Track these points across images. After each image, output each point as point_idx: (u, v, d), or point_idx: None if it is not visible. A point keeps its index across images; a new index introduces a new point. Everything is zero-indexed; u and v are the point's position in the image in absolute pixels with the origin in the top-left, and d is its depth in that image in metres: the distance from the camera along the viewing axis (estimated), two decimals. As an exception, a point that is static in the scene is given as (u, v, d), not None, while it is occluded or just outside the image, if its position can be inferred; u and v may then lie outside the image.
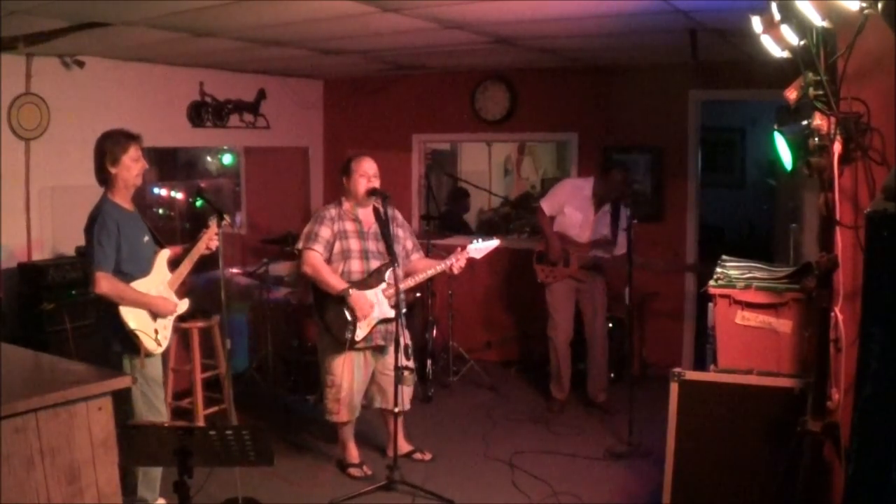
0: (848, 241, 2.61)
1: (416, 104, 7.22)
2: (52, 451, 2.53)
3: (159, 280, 3.80)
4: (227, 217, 4.02)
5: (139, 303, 3.66)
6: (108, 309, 3.62)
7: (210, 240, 3.89)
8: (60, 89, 5.15)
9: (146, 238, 3.81)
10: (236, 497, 4.04)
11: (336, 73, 7.20)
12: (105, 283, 3.54)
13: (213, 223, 3.91)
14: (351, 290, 4.29)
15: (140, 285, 3.69)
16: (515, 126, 6.91)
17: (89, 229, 3.62)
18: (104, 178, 3.70)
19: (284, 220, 6.90)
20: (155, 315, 3.74)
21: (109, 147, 3.66)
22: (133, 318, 3.63)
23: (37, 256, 5.06)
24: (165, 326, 3.80)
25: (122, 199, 3.72)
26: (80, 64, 5.17)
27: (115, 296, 3.58)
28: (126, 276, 3.64)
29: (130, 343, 3.65)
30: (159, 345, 3.75)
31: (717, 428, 3.28)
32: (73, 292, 4.76)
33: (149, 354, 3.70)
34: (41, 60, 5.01)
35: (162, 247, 3.90)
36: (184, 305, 3.93)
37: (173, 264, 3.90)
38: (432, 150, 7.93)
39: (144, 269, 3.74)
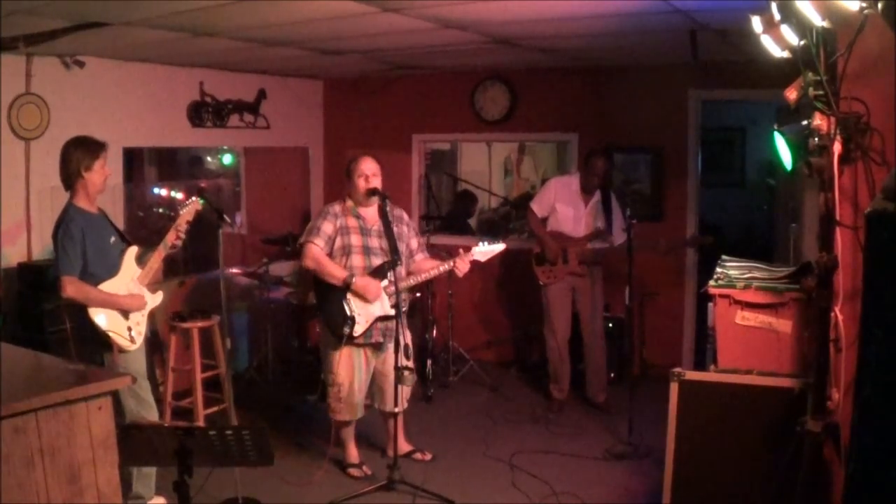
0: (848, 241, 2.61)
1: (416, 104, 7.22)
2: (52, 451, 2.53)
3: (129, 277, 3.85)
4: (227, 218, 4.06)
5: (106, 303, 3.72)
6: (79, 312, 3.69)
7: (178, 230, 3.92)
8: (60, 89, 5.15)
9: (113, 238, 3.86)
10: (236, 497, 4.05)
11: (336, 73, 7.20)
12: (71, 287, 3.61)
13: (183, 211, 3.95)
14: (354, 277, 4.29)
15: (109, 285, 3.74)
16: (515, 126, 6.91)
17: (55, 236, 3.69)
18: (71, 182, 3.75)
19: (284, 220, 6.90)
20: (126, 313, 3.79)
21: (83, 153, 3.73)
22: (104, 318, 3.70)
23: (37, 256, 5.06)
24: (139, 322, 3.85)
25: (87, 204, 3.78)
26: (80, 64, 5.17)
27: (81, 298, 3.65)
28: (94, 278, 3.70)
29: (105, 342, 3.71)
30: (133, 342, 3.79)
31: (717, 428, 3.28)
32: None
33: (123, 351, 3.74)
34: (41, 60, 5.01)
35: (129, 244, 3.93)
36: (157, 299, 3.97)
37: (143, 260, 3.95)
38: (432, 150, 7.93)
39: (112, 269, 3.79)
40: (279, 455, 4.30)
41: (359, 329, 4.33)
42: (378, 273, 4.38)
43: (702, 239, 5.77)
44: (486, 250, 4.50)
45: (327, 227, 4.39)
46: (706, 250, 5.85)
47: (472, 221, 8.06)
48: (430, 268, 4.52)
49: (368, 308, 4.35)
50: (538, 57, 5.84)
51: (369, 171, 4.42)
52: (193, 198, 4.00)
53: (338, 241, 4.40)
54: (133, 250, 3.92)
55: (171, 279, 5.69)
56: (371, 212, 4.48)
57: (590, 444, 5.03)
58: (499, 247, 4.57)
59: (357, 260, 4.40)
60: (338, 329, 4.33)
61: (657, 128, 6.31)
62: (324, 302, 4.40)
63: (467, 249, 4.50)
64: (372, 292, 4.31)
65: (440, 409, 5.76)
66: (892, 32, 2.09)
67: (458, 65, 6.46)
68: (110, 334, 3.69)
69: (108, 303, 3.72)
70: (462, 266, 4.44)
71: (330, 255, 4.38)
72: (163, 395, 5.05)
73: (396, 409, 4.29)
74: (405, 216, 4.64)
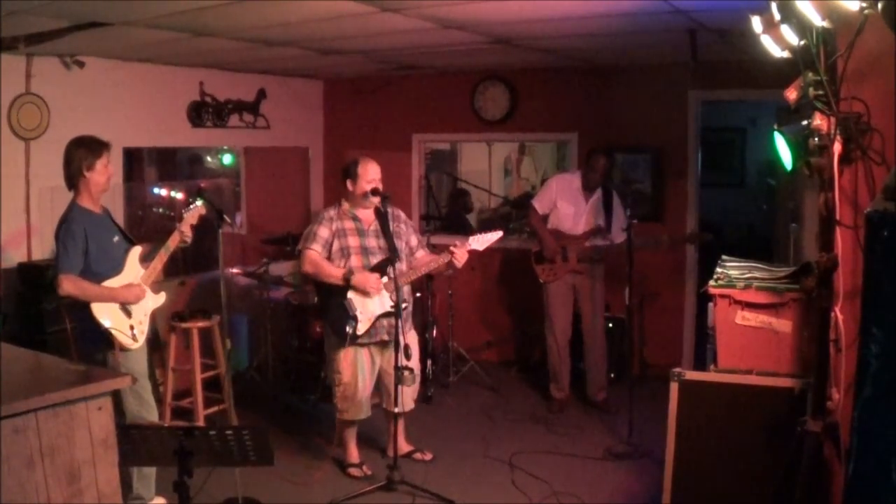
0: (848, 241, 2.60)
1: (416, 104, 7.22)
2: (52, 451, 2.53)
3: (132, 276, 3.85)
4: (227, 218, 4.06)
5: (105, 297, 3.71)
6: (82, 311, 3.69)
7: (184, 230, 3.92)
8: (60, 89, 5.15)
9: (116, 238, 3.86)
10: (236, 497, 4.05)
11: (336, 73, 7.20)
12: (67, 284, 3.61)
13: (187, 215, 3.95)
14: (354, 271, 4.31)
15: (113, 283, 3.75)
16: (515, 126, 6.91)
17: (57, 234, 3.69)
18: (74, 182, 3.75)
19: (284, 220, 6.90)
20: (129, 311, 3.79)
21: (84, 152, 3.72)
22: (107, 316, 3.69)
23: (37, 257, 5.06)
24: (141, 321, 3.85)
25: (90, 203, 3.78)
26: (80, 64, 5.17)
27: (79, 295, 3.65)
28: (98, 277, 3.70)
29: (107, 340, 3.71)
30: (135, 340, 3.80)
31: (717, 428, 3.28)
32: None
33: (124, 349, 3.75)
34: (41, 60, 5.01)
35: (133, 244, 3.94)
36: (160, 299, 3.98)
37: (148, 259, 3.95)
38: (432, 150, 7.94)
39: (116, 268, 3.80)
40: (279, 455, 4.29)
41: (361, 328, 4.34)
42: (377, 269, 4.39)
43: (702, 235, 5.79)
44: (483, 238, 4.51)
45: (323, 232, 4.41)
46: (706, 250, 5.86)
47: (473, 218, 8.06)
48: (430, 261, 4.55)
49: (369, 306, 4.36)
50: (538, 57, 5.84)
51: (378, 178, 4.43)
52: (198, 202, 3.98)
53: (335, 245, 4.41)
54: (137, 250, 3.92)
55: (171, 279, 5.68)
56: (367, 213, 4.50)
57: (590, 444, 5.03)
58: (495, 235, 4.56)
59: (355, 261, 4.40)
60: (340, 329, 4.34)
61: (657, 128, 6.30)
62: (326, 304, 4.41)
63: (464, 240, 4.51)
64: (371, 286, 4.31)
65: (440, 409, 5.76)
66: (892, 32, 2.09)
67: (458, 65, 6.46)
68: (113, 332, 3.70)
69: (106, 296, 3.71)
70: (460, 255, 4.43)
71: (328, 258, 4.40)
72: (163, 395, 5.04)
73: (396, 410, 4.28)
74: (402, 214, 4.66)
